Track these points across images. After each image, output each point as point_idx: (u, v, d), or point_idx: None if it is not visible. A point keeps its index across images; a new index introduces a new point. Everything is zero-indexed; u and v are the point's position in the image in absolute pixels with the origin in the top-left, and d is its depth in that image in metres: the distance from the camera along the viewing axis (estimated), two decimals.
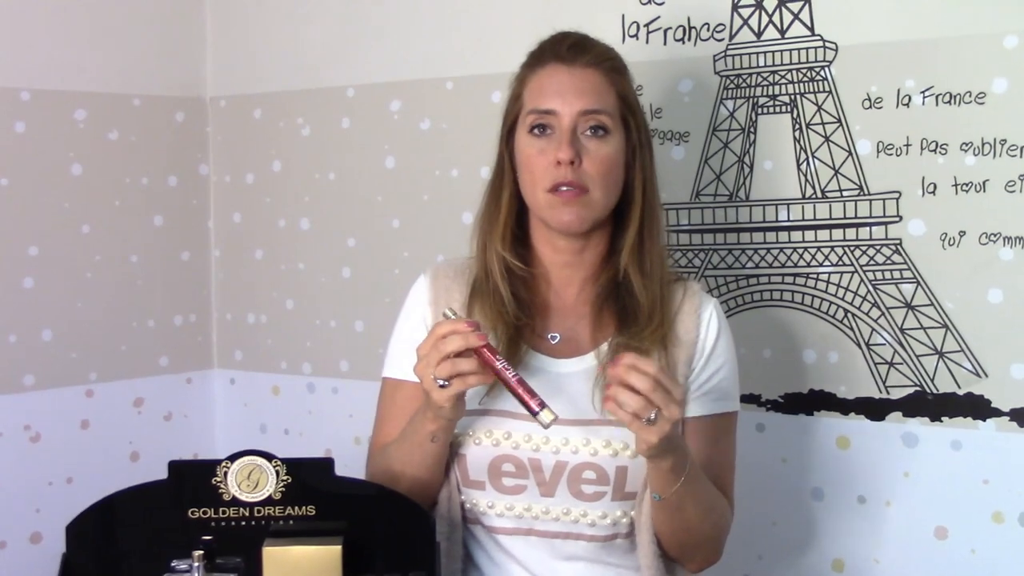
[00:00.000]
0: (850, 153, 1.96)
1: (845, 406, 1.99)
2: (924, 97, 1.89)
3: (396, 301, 1.77)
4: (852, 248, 1.97)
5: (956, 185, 1.88)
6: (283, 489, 1.49)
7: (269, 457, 1.49)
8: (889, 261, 1.94)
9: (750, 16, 2.03)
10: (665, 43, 2.11)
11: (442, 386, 1.49)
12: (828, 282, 2.00)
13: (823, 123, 1.98)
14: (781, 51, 2.01)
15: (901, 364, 1.94)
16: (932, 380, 1.92)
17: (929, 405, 1.92)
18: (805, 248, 2.01)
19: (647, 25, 2.13)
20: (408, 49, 2.44)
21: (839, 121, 1.97)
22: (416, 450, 1.60)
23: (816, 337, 2.01)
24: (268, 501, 1.49)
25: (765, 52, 2.03)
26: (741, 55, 2.05)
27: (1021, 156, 1.82)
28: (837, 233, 1.98)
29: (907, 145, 1.91)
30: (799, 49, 2.00)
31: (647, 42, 2.12)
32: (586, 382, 1.63)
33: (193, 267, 2.74)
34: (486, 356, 1.48)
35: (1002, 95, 1.83)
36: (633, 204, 1.66)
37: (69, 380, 2.51)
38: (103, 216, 2.56)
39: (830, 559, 2.03)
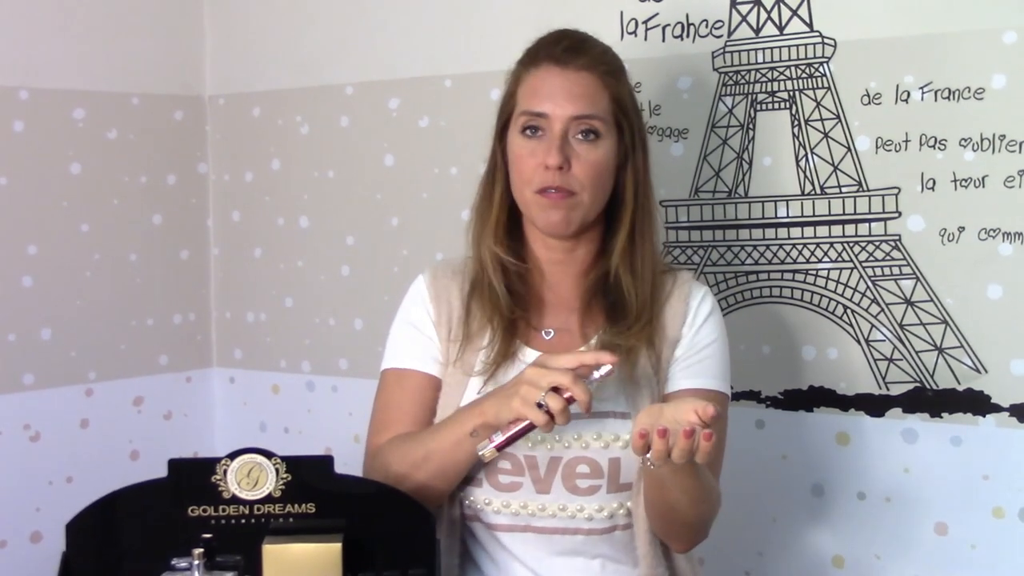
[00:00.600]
0: (849, 149, 1.96)
1: (845, 402, 1.99)
2: (923, 93, 1.89)
3: (395, 299, 1.76)
4: (851, 244, 1.97)
5: (955, 181, 1.87)
6: (283, 487, 1.49)
7: (269, 455, 1.49)
8: (888, 257, 1.94)
9: (748, 13, 2.03)
10: (664, 40, 2.11)
11: (539, 405, 1.47)
12: (827, 278, 2.00)
13: (822, 119, 1.98)
14: (780, 47, 2.01)
15: (901, 360, 1.94)
16: (932, 376, 1.92)
17: (929, 401, 1.92)
18: (804, 244, 2.01)
19: (646, 22, 2.13)
20: (407, 47, 2.44)
21: (838, 117, 1.97)
22: (448, 452, 1.57)
23: (815, 333, 2.01)
24: (268, 499, 1.49)
25: (764, 48, 2.03)
26: (740, 51, 2.05)
27: (1020, 151, 1.82)
28: (836, 229, 1.98)
29: (906, 141, 1.91)
30: (798, 45, 1.99)
31: (646, 39, 2.12)
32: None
33: (192, 266, 2.74)
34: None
35: (1001, 91, 1.83)
36: (624, 206, 1.65)
37: (69, 379, 2.51)
38: (102, 215, 2.56)
39: (830, 555, 2.03)
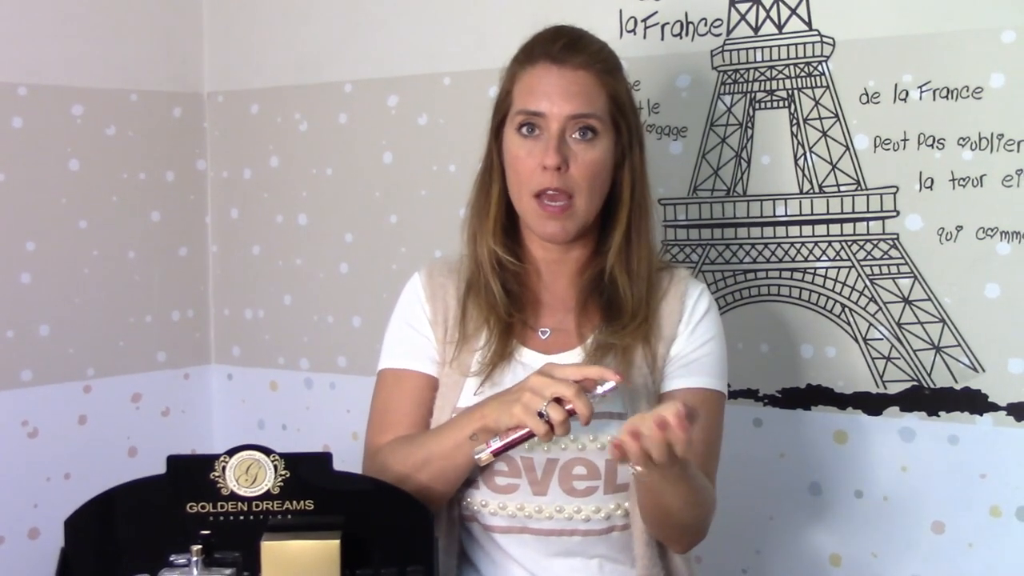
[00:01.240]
0: (847, 148, 1.97)
1: (842, 401, 1.99)
2: (921, 92, 1.89)
3: (394, 297, 1.76)
4: (849, 243, 1.97)
5: (953, 180, 1.88)
6: (281, 484, 1.49)
7: (267, 452, 1.49)
8: (886, 256, 1.94)
9: (747, 11, 2.03)
10: (663, 39, 2.11)
11: (539, 414, 1.47)
12: (825, 277, 2.00)
13: (820, 118, 1.99)
14: (778, 46, 2.01)
15: (898, 359, 1.94)
16: (929, 375, 1.92)
17: (926, 400, 1.93)
18: (802, 243, 2.01)
19: (645, 20, 2.13)
20: (406, 44, 2.44)
21: (836, 116, 1.97)
22: (448, 456, 1.57)
23: (813, 332, 2.02)
24: (266, 496, 1.49)
25: (762, 47, 2.03)
26: (738, 50, 2.05)
27: (1018, 151, 1.83)
28: (834, 228, 1.98)
29: (904, 140, 1.91)
30: (796, 44, 2.00)
31: (645, 37, 2.13)
32: None
33: (191, 263, 2.74)
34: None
35: (999, 90, 1.83)
36: (621, 205, 1.65)
37: (67, 376, 2.51)
38: (100, 212, 2.56)
39: (827, 553, 2.04)
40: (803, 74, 1.99)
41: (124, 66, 2.59)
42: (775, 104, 2.03)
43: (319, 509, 1.49)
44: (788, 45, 2.00)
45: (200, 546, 1.42)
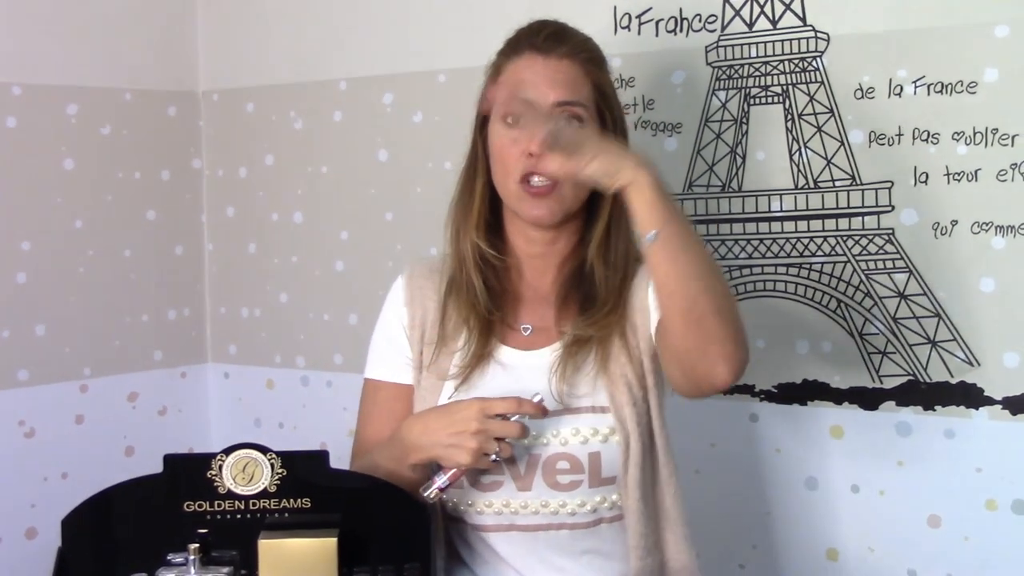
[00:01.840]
0: (842, 143, 1.97)
1: (838, 396, 2.00)
2: (916, 87, 1.90)
3: None
4: (845, 238, 1.97)
5: (948, 175, 1.88)
6: (278, 482, 1.49)
7: (264, 450, 1.49)
8: (882, 251, 1.95)
9: (742, 7, 2.03)
10: (657, 34, 2.11)
11: (493, 460, 1.52)
12: (821, 272, 2.00)
13: (815, 113, 1.99)
14: (773, 42, 2.01)
15: (894, 353, 1.95)
16: (925, 369, 1.92)
17: (922, 394, 1.93)
18: (798, 238, 2.01)
19: (639, 16, 2.13)
20: (401, 42, 2.44)
21: (831, 111, 1.97)
22: (396, 478, 1.58)
23: (809, 327, 2.02)
24: (263, 494, 1.49)
25: (757, 43, 2.03)
26: (733, 46, 2.05)
27: (1013, 145, 1.83)
28: (830, 223, 1.99)
29: (899, 135, 1.92)
30: (791, 40, 2.00)
31: (639, 33, 2.12)
32: (551, 374, 1.63)
33: (186, 261, 2.73)
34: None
35: (993, 84, 1.83)
36: (604, 197, 1.64)
37: (63, 375, 2.51)
38: (96, 211, 2.56)
39: (824, 548, 2.04)
40: (798, 69, 2.00)
41: (119, 65, 2.59)
42: (770, 100, 2.03)
43: (316, 507, 1.49)
44: (782, 41, 2.00)
45: (197, 545, 1.42)
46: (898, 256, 1.93)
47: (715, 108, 2.07)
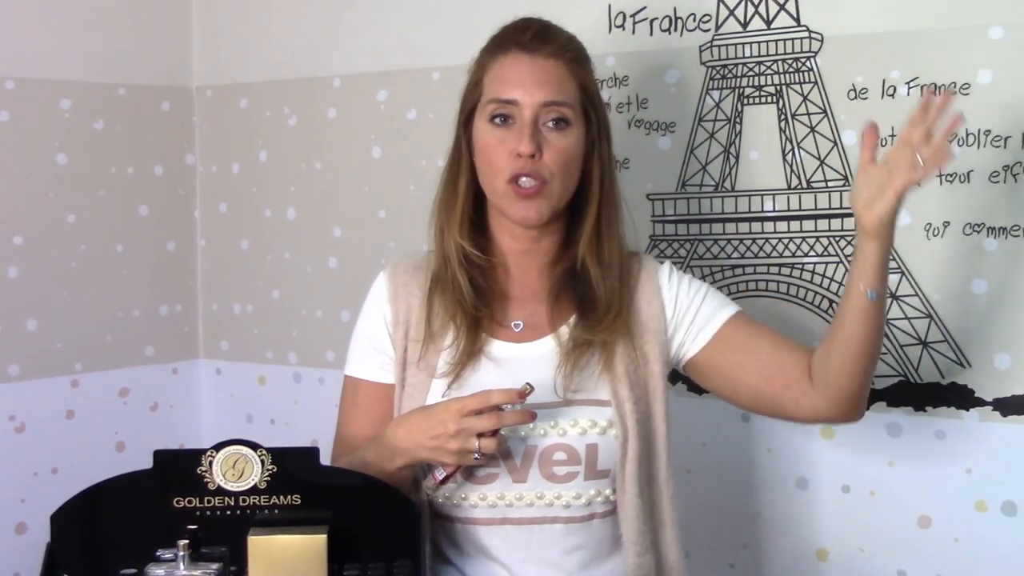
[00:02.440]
0: (835, 144, 1.97)
1: None
2: (909, 88, 1.90)
3: None
4: (837, 238, 1.98)
5: (941, 176, 1.88)
6: (268, 478, 1.49)
7: (254, 446, 1.49)
8: None
9: (736, 7, 2.03)
10: (651, 34, 2.11)
11: (476, 458, 1.52)
12: (813, 272, 2.00)
13: (809, 114, 1.99)
14: (767, 42, 2.01)
15: (885, 354, 1.95)
16: (916, 370, 1.93)
17: (913, 395, 1.93)
18: (790, 238, 2.02)
19: (633, 16, 2.13)
20: (395, 39, 2.43)
21: (824, 112, 1.97)
22: (383, 472, 1.59)
23: (801, 327, 2.02)
24: (253, 490, 1.49)
25: (751, 43, 2.03)
26: (727, 46, 2.05)
27: (1005, 147, 1.83)
28: (822, 223, 1.99)
29: (892, 136, 1.91)
30: (785, 40, 2.00)
31: (633, 32, 2.12)
32: (548, 365, 1.63)
33: (179, 257, 2.73)
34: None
35: (987, 86, 1.83)
36: (591, 195, 1.65)
37: (54, 370, 2.51)
38: (88, 206, 2.55)
39: (815, 548, 2.04)
40: (791, 70, 2.00)
41: (112, 60, 2.58)
42: (763, 100, 2.03)
43: (306, 504, 1.49)
44: (776, 41, 2.01)
45: (187, 541, 1.42)
46: (890, 257, 1.93)
47: (709, 108, 2.07)
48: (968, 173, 1.86)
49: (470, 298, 1.65)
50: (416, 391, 1.66)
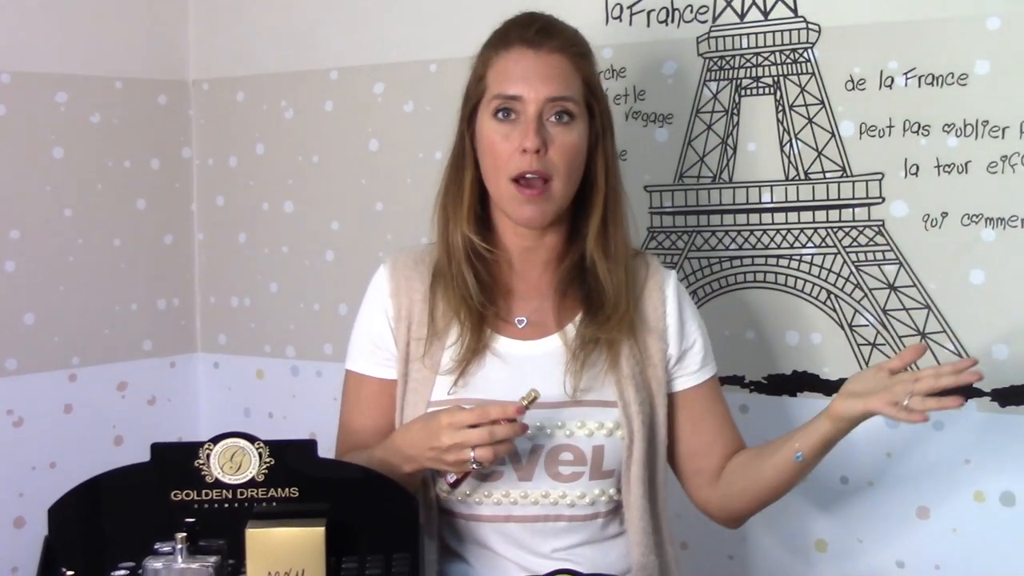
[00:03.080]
0: (833, 135, 1.97)
1: (828, 387, 2.00)
2: (907, 79, 1.89)
3: None
4: (835, 230, 1.97)
5: (939, 166, 1.88)
6: (266, 471, 1.49)
7: (252, 439, 1.49)
8: (872, 243, 1.95)
9: None
10: (648, 25, 2.11)
11: (475, 467, 1.52)
12: (811, 263, 2.00)
13: (806, 105, 1.98)
14: (764, 33, 2.01)
15: (884, 345, 1.95)
16: (915, 361, 1.92)
17: None
18: (788, 230, 2.01)
19: (630, 7, 2.12)
20: (392, 32, 2.43)
21: (822, 103, 1.97)
22: (394, 474, 1.58)
23: (799, 318, 2.02)
24: (251, 483, 1.49)
25: (748, 34, 2.03)
26: (724, 37, 2.05)
27: (1003, 137, 1.83)
28: (820, 215, 1.99)
29: (890, 127, 1.92)
30: (782, 31, 1.99)
31: (630, 24, 2.12)
32: (555, 363, 1.63)
33: (176, 251, 2.73)
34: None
35: (984, 76, 1.83)
36: (596, 189, 1.65)
37: (52, 364, 2.50)
38: (85, 199, 2.55)
39: (813, 539, 2.04)
40: (789, 61, 1.99)
41: (109, 53, 2.58)
42: (761, 91, 2.03)
43: (304, 497, 1.49)
44: (774, 32, 2.00)
45: (185, 533, 1.42)
46: (888, 248, 1.93)
47: (706, 99, 2.07)
48: (966, 163, 1.86)
49: (475, 294, 1.64)
50: (420, 386, 1.65)
